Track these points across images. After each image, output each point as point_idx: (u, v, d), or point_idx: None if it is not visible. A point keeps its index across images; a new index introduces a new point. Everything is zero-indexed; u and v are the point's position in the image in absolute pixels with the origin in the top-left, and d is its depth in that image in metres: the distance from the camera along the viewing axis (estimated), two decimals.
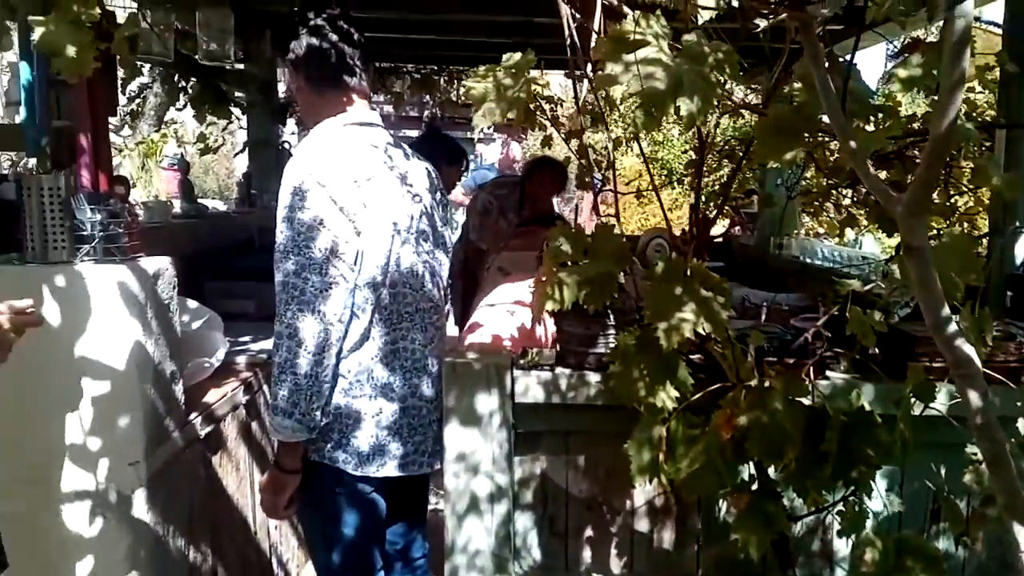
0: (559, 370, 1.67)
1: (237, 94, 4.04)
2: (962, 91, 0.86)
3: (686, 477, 1.40)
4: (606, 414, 1.61)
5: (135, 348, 1.72)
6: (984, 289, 2.24)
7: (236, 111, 4.20)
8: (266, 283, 1.68)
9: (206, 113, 3.90)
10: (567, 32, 1.68)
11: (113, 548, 1.77)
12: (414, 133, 7.21)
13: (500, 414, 1.64)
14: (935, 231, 1.73)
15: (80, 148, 2.09)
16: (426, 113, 6.88)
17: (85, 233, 1.71)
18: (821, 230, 4.50)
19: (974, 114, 2.54)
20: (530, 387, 1.65)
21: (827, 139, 1.63)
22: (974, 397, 0.84)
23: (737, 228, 4.55)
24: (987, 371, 1.50)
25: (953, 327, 0.86)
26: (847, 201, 2.69)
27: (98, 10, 1.64)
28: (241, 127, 4.79)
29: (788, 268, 3.55)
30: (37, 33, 1.57)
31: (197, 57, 2.80)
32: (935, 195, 2.50)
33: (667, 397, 1.46)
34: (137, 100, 5.39)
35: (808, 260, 3.57)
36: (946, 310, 0.87)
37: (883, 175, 2.35)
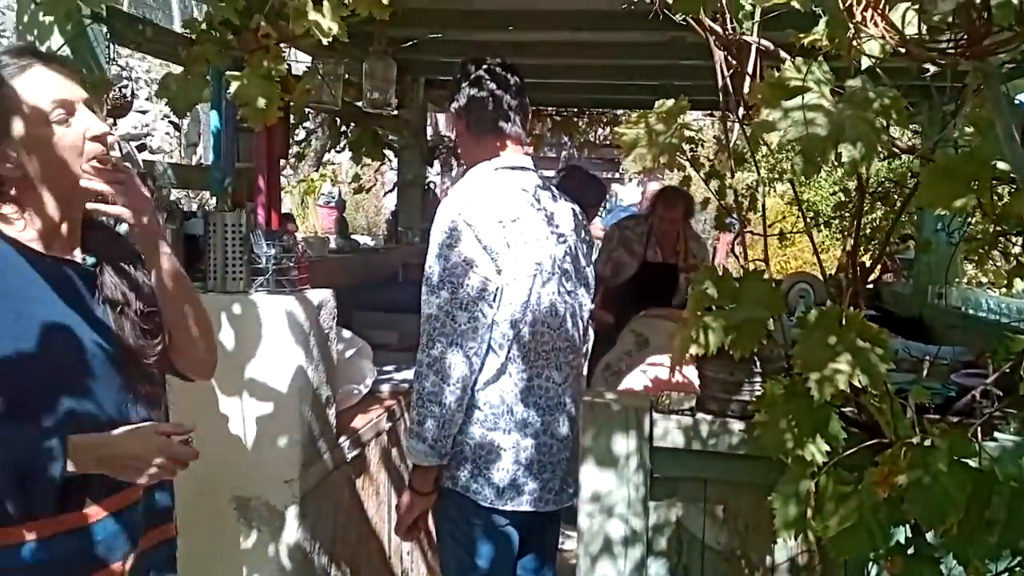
0: (700, 416, 1.65)
1: (391, 137, 4.30)
2: None
3: (835, 535, 1.34)
4: (749, 464, 1.57)
5: (297, 373, 1.86)
6: None
7: (389, 153, 4.46)
8: (409, 315, 1.80)
9: (362, 155, 4.16)
10: (719, 77, 1.68)
11: (264, 560, 1.90)
12: (550, 173, 7.36)
13: (637, 457, 1.63)
14: None
15: (257, 188, 2.31)
16: (564, 154, 7.00)
17: (260, 266, 1.88)
18: (985, 280, 4.17)
19: None
20: (669, 431, 1.63)
21: (998, 184, 1.54)
22: None
23: (889, 274, 4.30)
24: None
25: None
26: (1017, 249, 2.50)
27: (285, 66, 1.82)
28: (392, 168, 5.06)
29: (948, 319, 3.31)
30: (233, 87, 1.76)
31: (361, 105, 3.01)
32: None
33: (817, 450, 1.41)
34: (303, 143, 5.84)
35: (971, 312, 3.31)
36: None
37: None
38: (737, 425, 1.61)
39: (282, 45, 1.95)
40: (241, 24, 1.90)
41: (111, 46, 2.02)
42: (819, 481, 1.38)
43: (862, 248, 4.30)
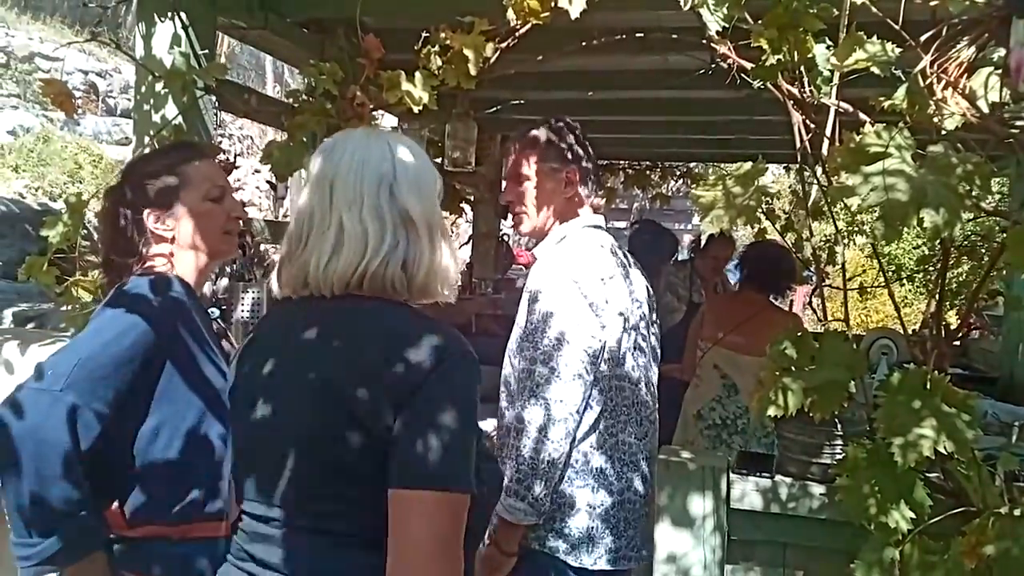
0: (779, 478, 1.64)
1: (467, 191, 4.44)
2: None
3: None
4: (830, 529, 1.55)
5: None
6: None
7: (465, 206, 4.60)
8: (483, 366, 1.83)
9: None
10: (797, 139, 1.71)
11: None
12: (621, 224, 7.40)
13: (714, 518, 1.63)
14: None
15: None
16: (635, 205, 7.05)
17: None
18: None
19: None
20: (747, 493, 1.63)
21: None
22: None
23: (977, 331, 4.14)
24: None
25: None
26: None
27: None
28: (467, 220, 5.20)
29: None
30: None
31: (443, 163, 3.15)
32: None
33: (901, 518, 1.38)
34: None
35: None
36: None
37: None
38: (818, 489, 1.59)
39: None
40: (338, 94, 2.04)
41: (218, 114, 2.18)
42: (903, 550, 1.35)
43: (947, 304, 4.17)
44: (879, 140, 1.36)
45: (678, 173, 5.92)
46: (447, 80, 1.95)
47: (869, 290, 5.67)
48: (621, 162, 5.79)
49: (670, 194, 5.95)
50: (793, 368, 1.60)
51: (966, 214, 1.40)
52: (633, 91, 3.54)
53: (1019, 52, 0.99)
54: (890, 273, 6.69)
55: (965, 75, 1.18)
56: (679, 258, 4.66)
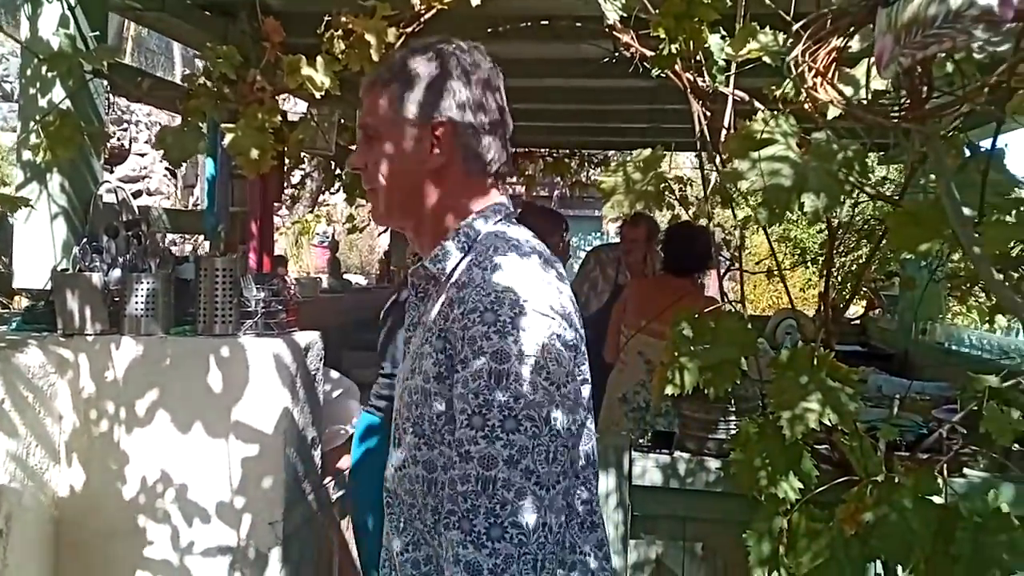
0: (678, 454, 1.69)
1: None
2: None
3: (808, 572, 1.37)
4: (726, 501, 1.61)
5: (283, 415, 1.90)
6: None
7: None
8: None
9: (356, 196, 4.24)
10: (697, 126, 1.76)
11: None
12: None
13: (617, 495, 1.66)
14: None
15: (250, 233, 2.37)
16: (556, 193, 7.12)
17: (250, 309, 1.93)
18: (972, 316, 4.23)
19: None
20: (648, 470, 1.67)
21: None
22: None
23: (875, 311, 4.36)
24: None
25: None
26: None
27: (279, 117, 1.89)
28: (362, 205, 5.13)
29: (931, 356, 3.36)
30: (228, 138, 1.83)
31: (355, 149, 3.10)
32: None
33: (790, 488, 1.45)
34: (297, 186, 5.93)
35: (954, 348, 3.36)
36: None
37: None
38: (714, 463, 1.65)
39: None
40: (237, 78, 1.97)
41: (110, 97, 2.09)
42: (792, 518, 1.42)
43: (848, 285, 4.37)
44: (766, 127, 1.41)
45: (595, 161, 6.01)
46: (350, 65, 1.92)
47: (776, 273, 5.88)
48: (540, 150, 5.83)
49: (588, 181, 6.03)
50: (691, 348, 1.66)
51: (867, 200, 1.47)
52: (548, 79, 3.57)
53: (883, 41, 1.04)
54: (796, 256, 6.98)
55: (835, 64, 1.23)
56: (614, 243, 4.76)
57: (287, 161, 3.58)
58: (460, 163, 1.03)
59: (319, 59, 1.89)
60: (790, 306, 1.94)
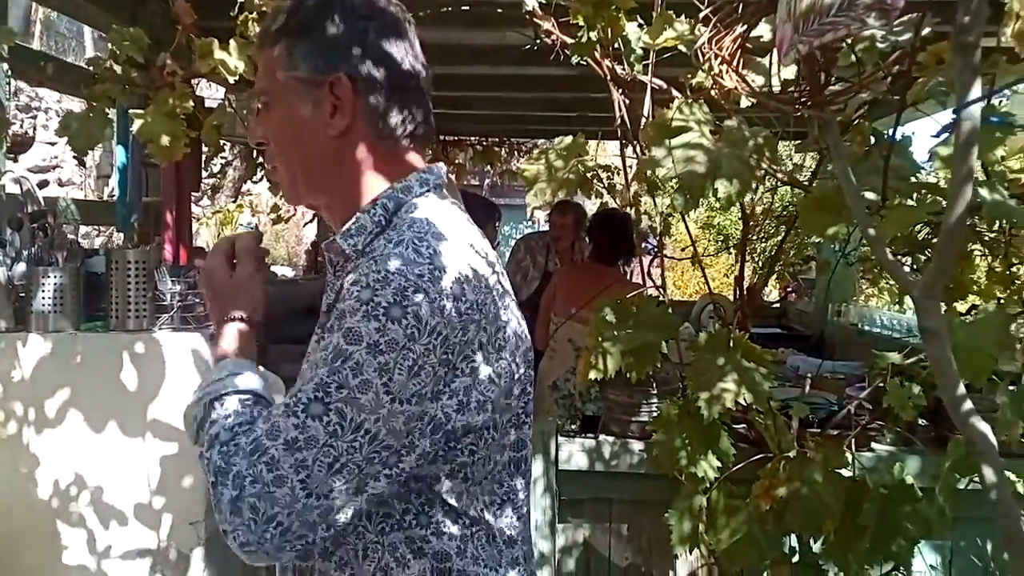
0: (602, 438, 1.72)
1: None
2: (971, 186, 0.90)
3: (727, 548, 1.41)
4: (649, 482, 1.64)
5: None
6: None
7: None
8: None
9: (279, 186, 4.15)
10: (618, 114, 1.78)
11: None
12: None
13: (544, 480, 1.68)
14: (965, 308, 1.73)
15: (165, 223, 2.29)
16: (487, 181, 7.12)
17: (165, 303, 1.87)
18: (883, 297, 4.43)
19: None
20: (574, 454, 1.69)
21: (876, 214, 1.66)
22: (989, 473, 0.86)
23: (794, 294, 4.52)
24: None
25: (968, 405, 0.89)
26: (906, 269, 2.68)
27: (191, 103, 1.83)
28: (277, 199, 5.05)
29: (845, 336, 3.50)
30: (136, 124, 1.76)
31: None
32: (998, 265, 2.49)
33: (709, 467, 1.49)
34: (218, 175, 5.75)
35: (866, 328, 3.52)
36: (961, 388, 0.90)
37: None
38: (637, 445, 1.68)
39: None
40: (146, 61, 1.89)
41: (11, 82, 1.98)
42: (711, 496, 1.46)
43: (768, 270, 4.51)
44: (681, 115, 1.44)
45: (525, 149, 6.03)
46: None
47: (700, 260, 6.04)
48: (470, 138, 5.81)
49: (517, 170, 6.05)
50: (614, 333, 1.68)
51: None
52: (475, 67, 3.55)
53: (783, 29, 1.07)
54: (720, 243, 7.18)
55: (740, 51, 1.26)
56: (544, 230, 4.80)
57: (205, 149, 3.47)
58: (366, 125, 0.89)
59: (232, 42, 1.83)
60: (708, 291, 1.98)
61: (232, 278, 1.00)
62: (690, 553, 1.46)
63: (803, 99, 1.25)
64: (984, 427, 0.88)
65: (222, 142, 3.72)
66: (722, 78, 1.25)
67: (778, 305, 4.34)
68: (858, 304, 3.76)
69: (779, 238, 4.13)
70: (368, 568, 0.84)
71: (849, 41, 1.48)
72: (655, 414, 1.65)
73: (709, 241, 6.78)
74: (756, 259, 4.85)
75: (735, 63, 1.25)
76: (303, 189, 0.94)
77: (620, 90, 1.78)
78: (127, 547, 1.84)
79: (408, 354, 0.76)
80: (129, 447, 1.83)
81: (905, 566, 1.35)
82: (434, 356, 0.78)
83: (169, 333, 1.85)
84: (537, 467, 1.68)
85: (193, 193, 3.88)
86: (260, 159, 4.18)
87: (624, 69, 1.76)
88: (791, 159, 6.30)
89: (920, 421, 1.70)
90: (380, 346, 0.76)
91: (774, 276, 4.31)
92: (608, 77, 1.77)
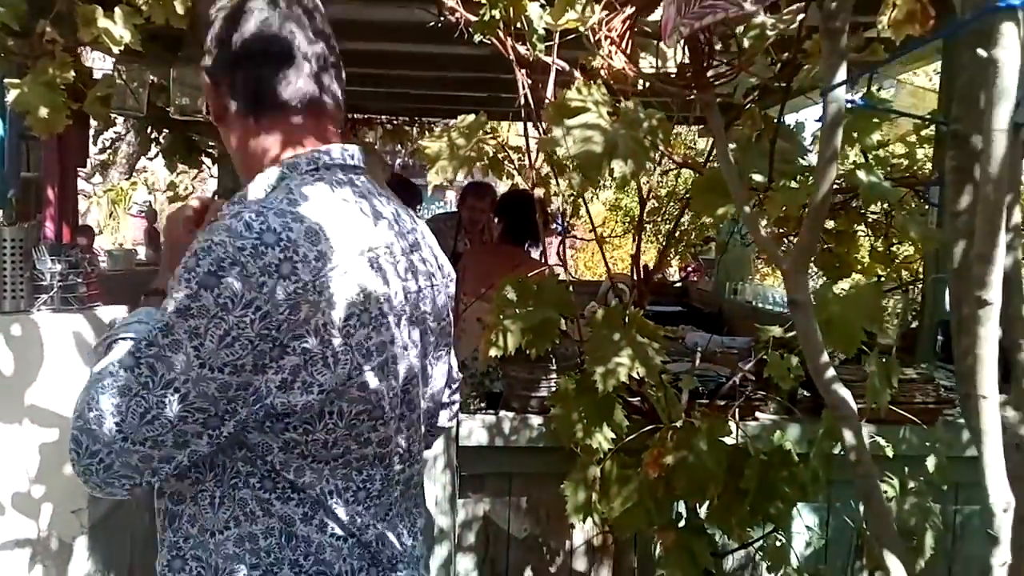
0: (503, 413, 1.74)
1: (209, 144, 4.13)
2: (835, 166, 0.96)
3: (619, 515, 1.47)
4: (547, 456, 1.68)
5: None
6: (915, 334, 2.35)
7: (207, 160, 4.28)
8: None
9: (177, 163, 3.97)
10: (522, 94, 1.79)
11: None
12: None
13: (444, 457, 1.70)
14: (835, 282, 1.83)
15: (47, 200, 2.16)
16: (397, 162, 7.03)
17: (44, 283, 1.77)
18: (777, 275, 4.65)
19: (915, 169, 2.70)
20: (474, 430, 1.71)
21: (763, 195, 1.74)
22: (849, 436, 0.92)
23: (696, 274, 4.68)
24: (904, 412, 1.60)
25: (831, 372, 0.95)
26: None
27: (72, 73, 1.73)
28: (212, 176, 4.88)
29: (741, 313, 3.66)
30: (12, 94, 1.65)
31: (170, 111, 2.90)
32: (879, 245, 2.64)
33: (603, 438, 1.54)
34: (109, 150, 5.44)
35: (760, 305, 3.68)
36: (825, 357, 0.96)
37: (831, 224, 2.49)
38: (536, 420, 1.72)
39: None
40: (24, 29, 1.78)
41: None
42: (604, 467, 1.51)
43: (672, 250, 4.65)
44: (579, 96, 1.46)
45: (436, 129, 5.98)
46: (154, 17, 1.78)
47: (611, 241, 6.18)
48: (380, 117, 5.72)
49: (419, 148, 6.00)
50: (515, 311, 1.71)
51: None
52: (384, 43, 3.49)
53: (668, 11, 1.10)
54: (626, 224, 7.35)
55: (629, 33, 1.29)
56: (450, 211, 4.79)
57: (94, 123, 3.29)
58: (249, 102, 0.93)
59: (118, 10, 1.74)
60: (607, 271, 2.03)
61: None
62: (583, 522, 1.51)
63: (688, 82, 1.29)
64: (845, 393, 0.94)
65: (113, 116, 3.53)
66: (612, 59, 1.28)
67: (680, 284, 4.49)
68: (753, 282, 3.93)
69: (685, 219, 4.26)
70: (223, 516, 0.89)
71: (742, 28, 1.55)
72: (554, 389, 1.68)
73: (617, 222, 6.92)
74: (662, 240, 4.99)
75: (624, 45, 1.28)
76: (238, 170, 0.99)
77: (524, 71, 1.80)
78: (5, 538, 1.75)
79: (220, 323, 0.79)
80: (5, 434, 1.73)
81: (784, 527, 1.43)
82: (251, 330, 0.79)
83: (48, 315, 1.75)
84: (438, 444, 1.69)
85: (80, 169, 3.68)
86: (154, 134, 3.99)
87: (527, 49, 1.77)
88: (695, 143, 6.50)
89: (803, 392, 1.80)
90: (192, 311, 0.79)
91: (677, 256, 4.45)
92: (512, 57, 1.78)
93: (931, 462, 1.43)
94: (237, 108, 0.95)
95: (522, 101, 1.85)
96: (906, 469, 1.46)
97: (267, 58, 0.92)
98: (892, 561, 0.91)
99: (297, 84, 0.93)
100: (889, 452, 1.52)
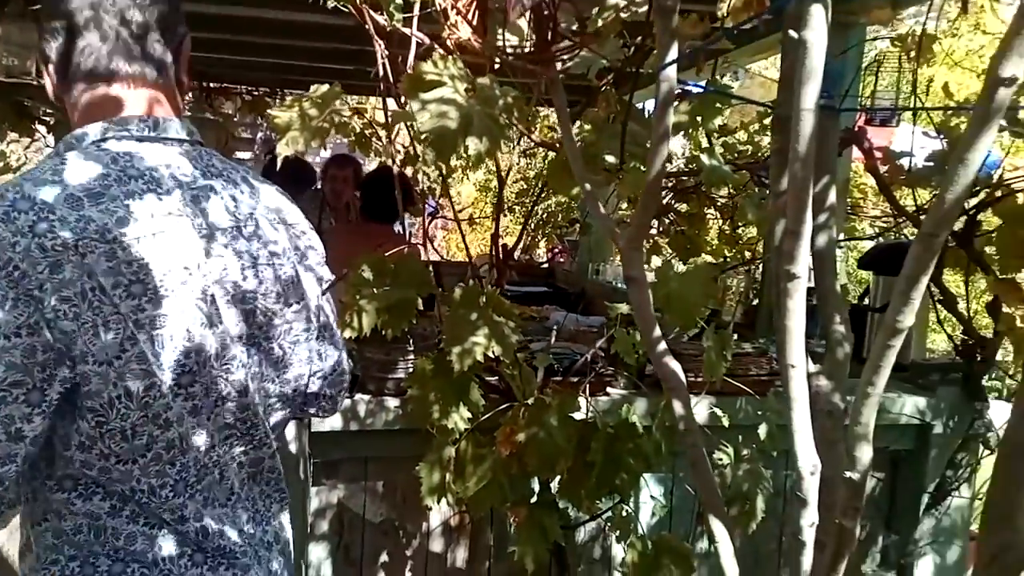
0: (358, 397, 1.70)
1: (43, 111, 3.78)
2: (667, 145, 0.99)
3: (473, 495, 1.47)
4: (404, 438, 1.66)
5: None
6: (756, 310, 2.49)
7: (41, 128, 3.92)
8: None
9: (6, 131, 3.61)
10: (380, 66, 1.74)
11: None
12: (246, 155, 7.02)
13: (296, 444, 1.64)
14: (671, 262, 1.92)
15: None
16: (260, 135, 6.73)
17: None
18: None
19: (760, 155, 2.85)
20: None
21: (619, 174, 1.77)
22: (678, 407, 0.96)
23: (562, 255, 4.78)
24: (739, 384, 1.69)
25: (662, 346, 0.98)
26: (653, 231, 2.92)
27: None
28: (48, 145, 4.47)
29: (603, 293, 3.77)
30: None
31: None
32: (726, 227, 2.78)
33: (459, 418, 1.53)
34: None
35: (619, 285, 3.81)
36: (657, 331, 0.99)
37: (683, 207, 2.59)
38: (393, 402, 1.69)
39: None
40: None
41: None
42: (460, 447, 1.50)
43: (539, 232, 4.73)
44: (436, 70, 1.43)
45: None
46: None
47: (480, 222, 6.20)
48: (239, 87, 5.43)
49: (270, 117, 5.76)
50: (372, 291, 1.67)
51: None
52: (240, 7, 3.31)
53: None
54: (495, 205, 7.43)
55: (475, 5, 1.27)
56: (312, 190, 4.62)
57: None
58: (60, 75, 0.93)
59: None
60: (466, 252, 2.02)
61: None
62: (438, 503, 1.50)
63: (534, 58, 1.29)
64: (675, 365, 0.97)
65: None
66: (457, 29, 1.26)
67: (547, 265, 4.56)
68: (614, 263, 4.05)
69: (547, 200, 4.33)
70: (38, 510, 0.88)
71: (596, 9, 1.56)
72: (411, 370, 1.66)
73: (487, 203, 6.96)
74: (531, 221, 5.05)
75: (472, 16, 1.26)
76: None
77: (382, 42, 1.74)
78: None
79: None
80: None
81: (630, 498, 1.48)
82: (18, 290, 0.77)
83: None
84: (289, 431, 1.63)
85: None
86: None
87: (386, 19, 1.72)
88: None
89: (652, 367, 1.87)
90: None
91: (544, 238, 4.53)
92: (370, 27, 1.72)
93: (763, 430, 1.52)
94: (55, 81, 0.94)
95: (380, 73, 1.80)
96: (740, 438, 1.54)
97: (70, 30, 0.90)
98: (716, 524, 0.96)
99: (96, 54, 0.90)
100: (725, 422, 1.61)
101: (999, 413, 2.01)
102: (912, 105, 1.88)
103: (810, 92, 0.68)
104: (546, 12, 1.19)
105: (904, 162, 1.90)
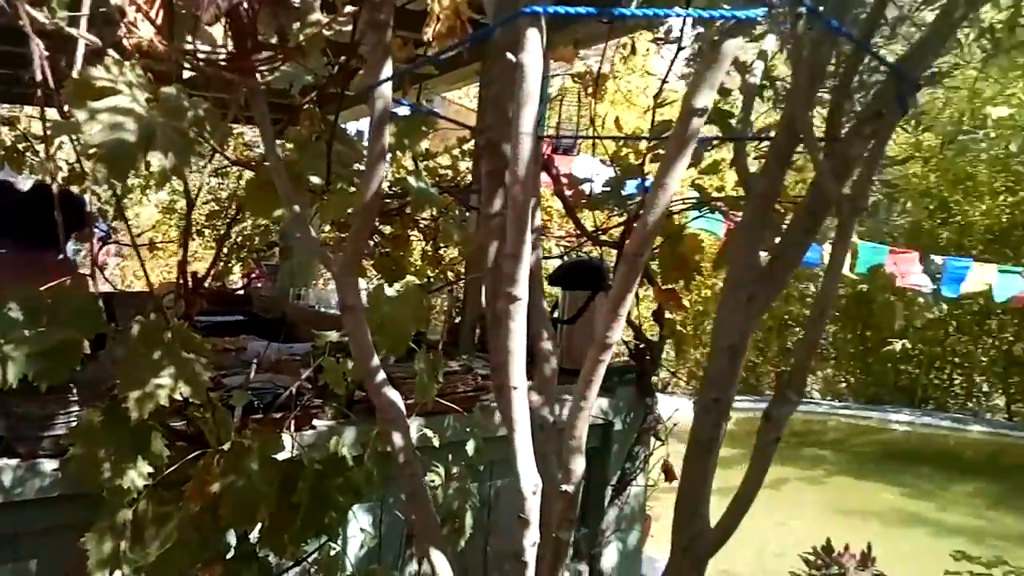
0: (4, 462, 1.39)
1: None
2: (384, 165, 0.94)
3: (154, 561, 1.27)
4: (65, 505, 1.39)
5: None
6: (459, 328, 2.55)
7: None
8: None
9: None
10: (38, 70, 1.46)
11: None
12: None
13: None
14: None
15: None
16: None
17: None
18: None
19: (459, 179, 2.94)
20: None
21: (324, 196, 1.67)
22: (397, 439, 0.91)
23: (259, 280, 4.50)
24: (447, 402, 1.69)
25: (380, 376, 0.92)
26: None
27: None
28: None
29: (303, 317, 3.60)
30: None
31: None
32: (429, 248, 2.80)
33: (137, 475, 1.32)
34: None
35: (323, 309, 3.68)
36: (375, 360, 0.93)
37: (388, 229, 2.56)
38: (49, 465, 1.40)
39: None
40: None
41: None
42: (138, 508, 1.29)
43: (233, 256, 4.40)
44: (109, 75, 1.23)
45: None
46: None
47: (164, 247, 5.62)
48: None
49: None
50: (23, 333, 1.38)
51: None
52: None
53: None
54: (182, 228, 6.81)
55: (161, 8, 1.13)
56: None
57: None
58: None
59: None
60: (147, 282, 1.78)
61: None
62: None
63: (232, 67, 1.17)
64: (393, 395, 0.92)
65: None
66: (137, 28, 1.09)
67: (243, 292, 4.25)
68: (317, 287, 3.92)
69: (243, 223, 4.04)
70: None
71: (298, 24, 1.46)
72: (75, 424, 1.40)
73: (172, 226, 6.30)
74: (227, 245, 4.68)
75: (156, 15, 1.10)
76: None
77: (43, 44, 1.47)
78: None
79: None
80: None
81: (338, 535, 1.39)
82: None
83: None
84: None
85: None
86: None
87: (47, 16, 1.45)
88: (257, 145, 6.27)
89: (360, 392, 1.79)
90: None
91: (239, 263, 4.22)
92: (27, 25, 1.44)
93: (470, 446, 1.53)
94: None
95: (39, 78, 1.52)
96: (450, 457, 1.54)
97: None
98: (436, 556, 0.92)
99: None
100: (436, 442, 1.60)
101: (662, 404, 2.32)
102: (592, 134, 2.07)
103: (527, 115, 0.67)
104: (245, 19, 1.07)
105: (585, 187, 2.09)
